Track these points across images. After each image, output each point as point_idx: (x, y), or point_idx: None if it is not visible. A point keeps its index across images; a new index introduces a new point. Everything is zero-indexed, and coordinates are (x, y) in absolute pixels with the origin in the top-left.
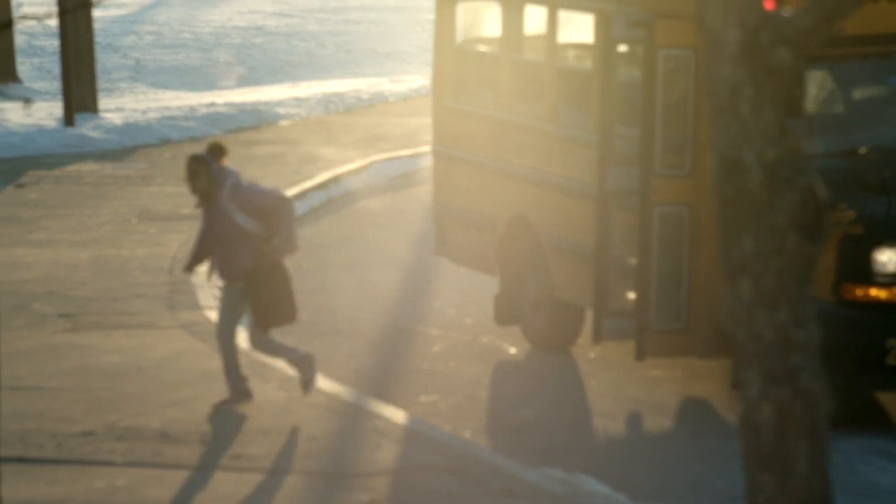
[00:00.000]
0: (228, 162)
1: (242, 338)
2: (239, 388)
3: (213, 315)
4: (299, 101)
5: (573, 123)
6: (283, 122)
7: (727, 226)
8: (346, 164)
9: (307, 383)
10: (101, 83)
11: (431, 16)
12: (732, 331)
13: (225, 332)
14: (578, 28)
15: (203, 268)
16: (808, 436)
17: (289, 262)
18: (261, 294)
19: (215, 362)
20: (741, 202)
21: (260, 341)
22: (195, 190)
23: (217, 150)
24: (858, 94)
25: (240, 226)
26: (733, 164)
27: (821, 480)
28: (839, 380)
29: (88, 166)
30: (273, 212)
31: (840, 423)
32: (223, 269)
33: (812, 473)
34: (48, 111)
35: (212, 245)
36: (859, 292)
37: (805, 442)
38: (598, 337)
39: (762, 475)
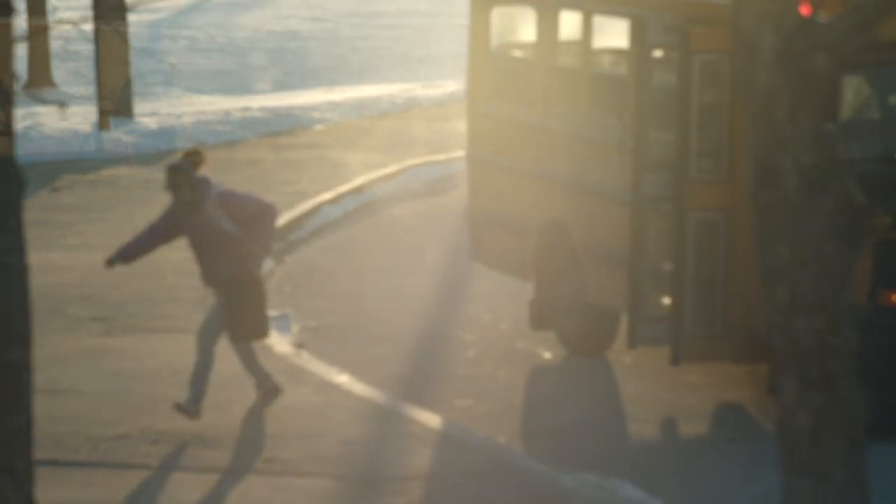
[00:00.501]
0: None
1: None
2: (267, 386)
3: None
4: (334, 106)
5: (608, 129)
6: (318, 127)
7: (764, 232)
8: (381, 168)
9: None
10: (136, 88)
11: (466, 21)
12: (769, 336)
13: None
14: (613, 33)
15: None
16: (844, 442)
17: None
18: (238, 305)
19: None
20: (778, 208)
21: (241, 350)
22: (180, 201)
23: (195, 158)
24: (895, 99)
25: (225, 232)
26: (770, 169)
27: (857, 486)
28: (875, 385)
29: (123, 170)
30: (258, 217)
31: (875, 428)
32: (206, 275)
33: (849, 479)
34: (83, 115)
35: (152, 247)
36: (895, 298)
37: (842, 448)
38: (633, 342)
39: (799, 481)
